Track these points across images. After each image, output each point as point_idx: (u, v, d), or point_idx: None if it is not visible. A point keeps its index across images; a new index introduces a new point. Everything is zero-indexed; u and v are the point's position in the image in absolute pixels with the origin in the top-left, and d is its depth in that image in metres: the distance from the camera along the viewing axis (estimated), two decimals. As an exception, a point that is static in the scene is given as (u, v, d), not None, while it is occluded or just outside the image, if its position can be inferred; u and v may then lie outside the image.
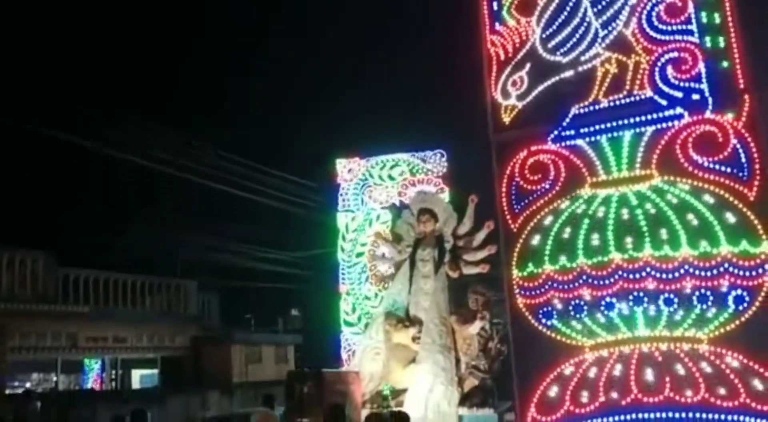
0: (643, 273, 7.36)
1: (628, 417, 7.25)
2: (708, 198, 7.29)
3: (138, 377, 21.06)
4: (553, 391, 7.63)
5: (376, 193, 17.66)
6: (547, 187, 8.02)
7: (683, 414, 7.04)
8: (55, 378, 19.62)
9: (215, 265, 19.60)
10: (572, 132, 7.95)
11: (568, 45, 8.11)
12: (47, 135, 13.50)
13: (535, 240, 7.97)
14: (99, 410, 14.83)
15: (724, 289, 7.06)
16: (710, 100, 7.38)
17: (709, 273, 7.10)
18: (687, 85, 7.51)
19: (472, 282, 11.28)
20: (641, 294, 7.35)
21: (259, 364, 20.86)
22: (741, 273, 7.00)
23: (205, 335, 20.36)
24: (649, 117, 7.64)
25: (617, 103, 7.83)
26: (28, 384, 19.79)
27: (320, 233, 19.02)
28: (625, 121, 7.72)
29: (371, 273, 17.05)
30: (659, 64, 7.62)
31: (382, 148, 18.15)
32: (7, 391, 16.81)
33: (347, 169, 18.18)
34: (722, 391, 6.95)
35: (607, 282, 7.50)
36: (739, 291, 7.00)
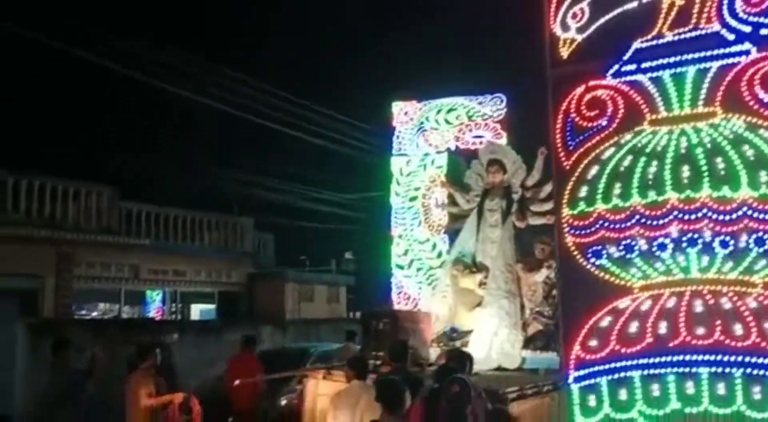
0: (700, 215, 7.18)
1: (676, 358, 7.20)
2: (773, 138, 7.02)
3: (198, 311, 21.94)
4: (599, 331, 7.63)
5: (432, 137, 17.50)
6: (604, 123, 7.85)
7: (732, 358, 6.95)
8: (119, 308, 20.59)
9: (271, 205, 20.00)
10: (633, 67, 7.71)
11: (633, -25, 7.80)
12: (110, 71, 13.87)
13: (589, 178, 7.85)
14: (158, 336, 15.53)
15: (784, 233, 6.85)
16: (780, 35, 7.04)
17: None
18: (756, 19, 7.17)
19: (538, 232, 11.51)
20: (696, 236, 7.20)
21: (312, 303, 21.44)
22: (802, 217, 6.77)
23: (259, 272, 20.97)
24: (715, 52, 7.34)
25: (682, 37, 7.54)
26: (94, 314, 20.86)
27: (374, 176, 19.15)
28: (690, 56, 7.43)
29: (424, 217, 17.24)
30: (729, -5, 7.28)
31: (439, 92, 17.97)
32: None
33: (403, 112, 18.08)
34: (774, 336, 6.82)
35: (661, 222, 7.36)
36: (798, 236, 6.78)
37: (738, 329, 6.98)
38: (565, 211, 8.00)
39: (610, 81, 7.88)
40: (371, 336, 10.57)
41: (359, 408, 5.43)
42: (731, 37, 7.30)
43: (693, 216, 7.23)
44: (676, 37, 7.59)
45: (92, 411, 8.89)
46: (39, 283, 16.76)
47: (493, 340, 10.43)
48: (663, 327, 7.29)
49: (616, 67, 7.80)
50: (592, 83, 7.98)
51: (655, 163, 7.47)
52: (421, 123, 17.97)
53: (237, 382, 10.30)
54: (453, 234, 17.59)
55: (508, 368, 10.17)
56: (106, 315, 20.56)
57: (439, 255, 17.48)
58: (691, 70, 7.49)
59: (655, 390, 7.19)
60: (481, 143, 16.86)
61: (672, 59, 7.54)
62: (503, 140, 15.68)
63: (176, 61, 14.69)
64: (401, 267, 17.93)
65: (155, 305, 21.66)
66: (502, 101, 16.75)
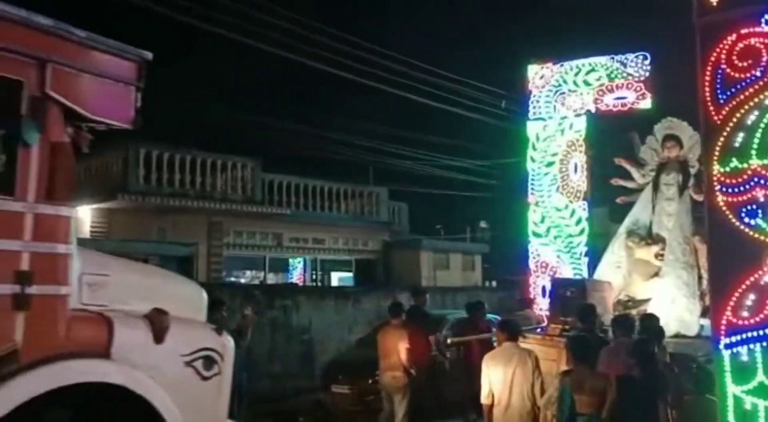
0: None
1: (838, 324, 6.78)
2: None
3: (336, 278, 22.92)
4: (753, 294, 7.28)
5: (570, 100, 17.09)
6: (758, 74, 7.38)
7: None
8: (264, 275, 21.90)
9: (406, 174, 20.39)
10: (792, 11, 7.19)
11: None
12: (250, 48, 14.65)
13: (741, 132, 7.45)
14: (301, 301, 16.45)
15: None
16: None
17: None
18: None
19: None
20: None
21: (447, 271, 21.75)
22: None
23: (395, 240, 21.50)
24: None
25: None
26: (242, 280, 22.34)
27: (510, 142, 18.93)
28: None
29: (562, 183, 16.92)
30: None
31: (577, 52, 17.45)
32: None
33: (539, 76, 17.73)
34: None
35: (823, 178, 6.89)
36: None
37: None
38: (716, 169, 7.65)
39: (764, 28, 7.40)
40: (559, 303, 11.33)
41: (510, 366, 5.92)
42: None
43: None
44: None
45: (244, 367, 9.75)
46: (194, 250, 18.18)
47: (671, 308, 10.89)
48: (825, 291, 6.85)
49: (773, 12, 7.31)
50: (744, 31, 7.51)
51: (818, 116, 6.97)
52: (558, 85, 17.55)
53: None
54: (591, 201, 17.29)
55: (687, 335, 10.54)
56: (253, 282, 21.99)
57: (578, 222, 17.16)
58: None
59: (815, 357, 6.82)
60: (623, 105, 16.34)
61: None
62: (647, 101, 15.08)
63: (306, 31, 15.23)
64: (538, 235, 17.76)
65: (297, 272, 22.85)
66: (646, 58, 16.05)
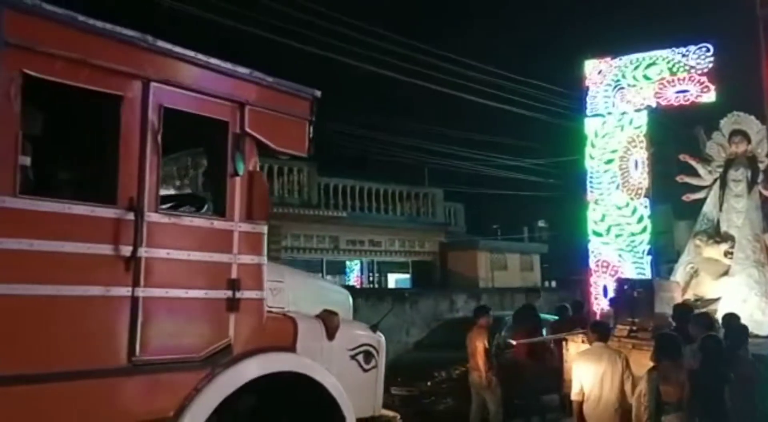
0: None
1: None
2: None
3: (393, 280, 23.11)
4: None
5: (630, 95, 16.82)
6: (826, 66, 7.23)
7: None
8: (322, 277, 22.24)
9: (461, 174, 20.41)
10: None
11: None
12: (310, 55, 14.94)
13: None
14: (359, 303, 16.68)
15: None
16: None
17: None
18: None
19: (787, 201, 11.65)
20: None
21: (504, 271, 21.70)
22: None
23: (451, 241, 21.55)
24: None
25: None
26: (298, 283, 22.65)
27: (567, 140, 18.77)
28: None
29: (623, 181, 16.68)
30: None
31: (636, 46, 17.16)
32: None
33: (597, 71, 17.50)
34: None
35: None
36: None
37: None
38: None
39: (832, 18, 7.23)
40: (626, 304, 11.17)
41: (601, 365, 6.30)
42: None
43: None
44: None
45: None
46: (252, 253, 18.53)
47: (742, 308, 10.66)
48: None
49: (840, 1, 7.13)
50: (810, 22, 7.36)
51: None
52: (617, 80, 17.27)
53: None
54: (653, 198, 16.99)
55: (759, 334, 10.23)
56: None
57: (640, 219, 16.86)
58: None
59: None
60: (686, 99, 16.00)
61: None
62: (711, 95, 14.75)
63: (357, 32, 15.42)
64: (598, 234, 17.50)
65: (354, 275, 23.12)
66: (708, 50, 15.67)
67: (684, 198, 15.72)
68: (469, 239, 21.67)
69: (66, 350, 3.22)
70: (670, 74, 16.28)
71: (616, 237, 16.85)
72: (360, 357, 4.70)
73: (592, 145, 17.45)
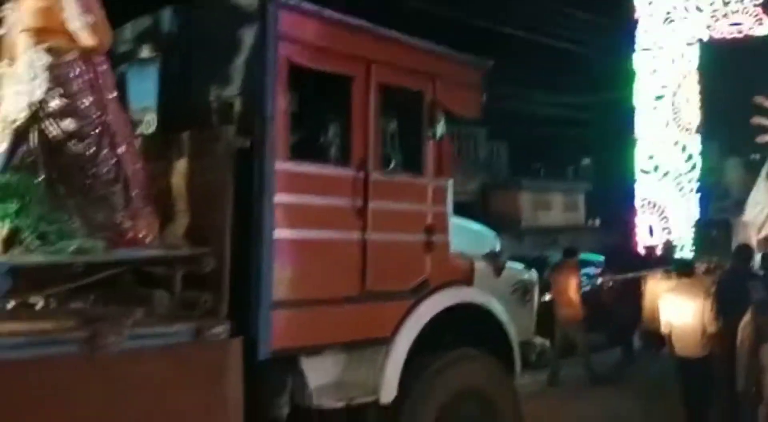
0: None
1: None
2: None
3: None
4: None
5: (681, 29, 16.65)
6: None
7: None
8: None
9: (505, 112, 20.37)
10: None
11: None
12: None
13: None
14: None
15: None
16: None
17: None
18: None
19: None
20: None
21: (548, 211, 21.81)
22: None
23: (493, 181, 21.68)
24: None
25: None
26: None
27: (615, 76, 18.58)
28: None
29: (673, 117, 16.57)
30: None
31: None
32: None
33: (647, 2, 17.22)
34: None
35: None
36: None
37: None
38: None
39: None
40: (705, 243, 11.67)
41: (687, 298, 6.75)
42: None
43: None
44: None
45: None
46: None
47: None
48: None
49: None
50: None
51: None
52: (668, 13, 17.01)
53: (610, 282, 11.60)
54: (704, 135, 16.84)
55: None
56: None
57: (689, 157, 16.84)
58: None
59: None
60: (739, 32, 15.73)
61: None
62: (766, 27, 14.49)
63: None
64: (646, 172, 17.59)
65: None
66: (763, -20, 15.31)
67: (758, 139, 15.63)
68: (512, 179, 21.71)
69: (324, 281, 3.97)
70: (723, 5, 16.02)
71: (663, 175, 16.91)
72: (519, 292, 5.47)
73: (642, 81, 17.38)
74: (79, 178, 3.41)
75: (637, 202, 16.99)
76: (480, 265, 5.09)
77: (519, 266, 5.98)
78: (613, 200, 19.53)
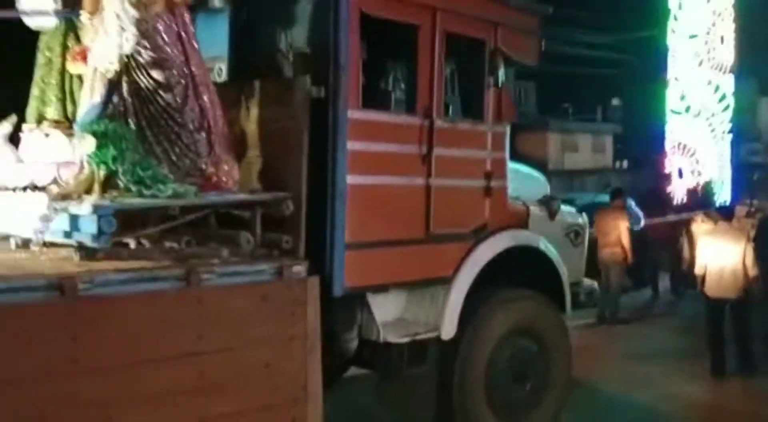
0: None
1: None
2: None
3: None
4: None
5: (718, -36, 16.34)
6: None
7: None
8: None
9: (532, 51, 20.24)
10: None
11: None
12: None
13: None
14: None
15: None
16: None
17: None
18: None
19: None
20: None
21: (575, 153, 21.88)
22: None
23: (521, 122, 21.66)
24: None
25: None
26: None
27: (647, 13, 18.28)
28: None
29: (707, 57, 16.38)
30: None
31: None
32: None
33: (683, -61, 16.90)
34: None
35: None
36: None
37: None
38: None
39: None
40: (744, 187, 11.69)
41: (726, 241, 7.15)
42: None
43: None
44: None
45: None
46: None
47: None
48: None
49: None
50: None
51: None
52: (706, -51, 16.71)
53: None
54: (737, 73, 16.66)
55: None
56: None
57: (722, 98, 16.72)
58: None
59: None
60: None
61: None
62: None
63: None
64: (677, 113, 17.48)
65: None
66: None
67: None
68: (539, 120, 21.70)
69: (392, 224, 4.22)
70: None
71: (695, 116, 16.82)
72: (572, 235, 5.77)
73: (675, 19, 17.09)
74: (167, 126, 3.66)
75: (667, 144, 17.00)
76: (535, 209, 5.34)
77: (571, 210, 6.24)
78: (643, 142, 19.52)
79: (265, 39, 4.26)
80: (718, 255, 7.09)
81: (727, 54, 16.56)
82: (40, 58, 4.15)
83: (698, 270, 7.35)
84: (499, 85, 4.91)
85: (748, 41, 17.26)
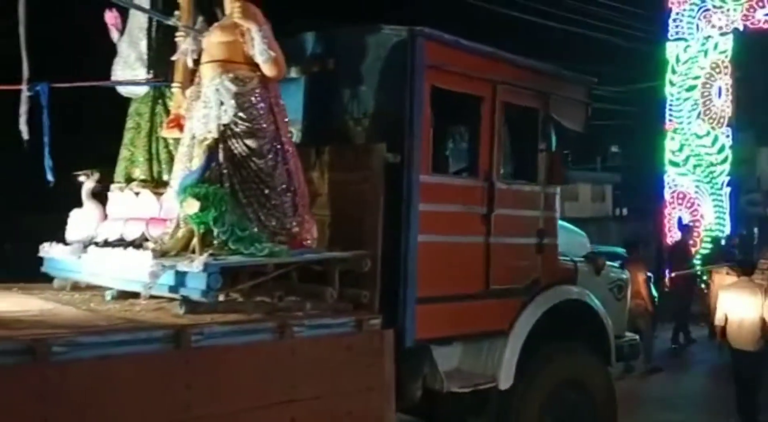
0: None
1: None
2: None
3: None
4: None
5: (715, 18, 17.06)
6: None
7: None
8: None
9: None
10: None
11: None
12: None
13: None
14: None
15: None
16: None
17: None
18: None
19: None
20: None
21: (575, 202, 22.45)
22: None
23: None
24: None
25: None
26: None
27: (646, 65, 19.04)
28: None
29: (704, 109, 17.02)
30: None
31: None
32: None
33: (681, -8, 17.70)
34: None
35: None
36: None
37: None
38: None
39: None
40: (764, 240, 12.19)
41: (745, 296, 7.57)
42: None
43: None
44: None
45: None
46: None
47: None
48: None
49: None
50: None
51: None
52: (703, 1, 17.44)
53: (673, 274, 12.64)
54: (736, 126, 17.31)
55: None
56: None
57: (721, 149, 17.32)
58: None
59: None
60: (775, 22, 16.20)
61: None
62: (807, 18, 14.93)
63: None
64: (675, 164, 18.08)
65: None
66: (807, -32, 15.74)
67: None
68: (538, 168, 22.26)
69: (456, 280, 4.67)
70: None
71: (694, 167, 17.39)
72: (615, 290, 6.23)
73: (673, 71, 17.82)
74: (258, 189, 4.10)
75: (666, 194, 17.56)
76: (582, 265, 5.85)
77: (614, 265, 6.78)
78: (642, 191, 20.15)
79: (339, 107, 4.75)
80: (739, 308, 7.56)
81: (725, 106, 17.13)
82: (130, 123, 4.63)
83: (718, 321, 7.82)
84: (550, 150, 5.46)
85: (746, 92, 17.80)
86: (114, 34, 4.63)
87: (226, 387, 3.56)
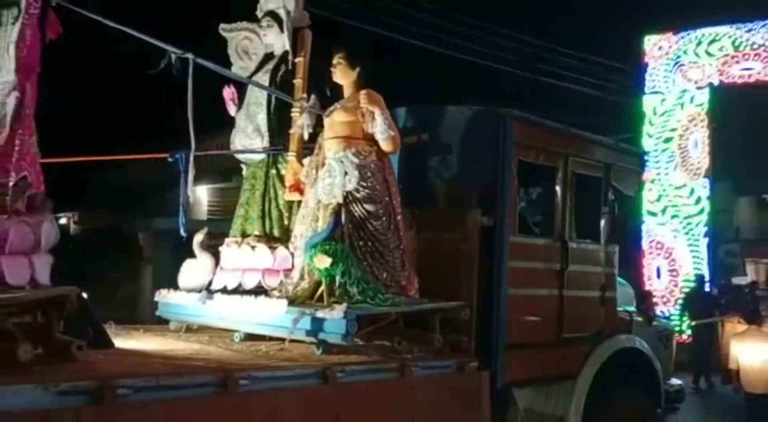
0: None
1: None
2: None
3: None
4: None
5: (691, 72, 18.19)
6: None
7: None
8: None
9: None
10: None
11: None
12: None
13: None
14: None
15: None
16: None
17: None
18: None
19: None
20: None
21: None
22: None
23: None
24: None
25: None
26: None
27: (623, 118, 20.03)
28: None
29: (681, 160, 18.15)
30: None
31: (699, 22, 18.24)
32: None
33: (657, 47, 18.86)
34: None
35: None
36: None
37: None
38: None
39: None
40: None
41: (755, 345, 8.39)
42: None
43: None
44: None
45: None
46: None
47: None
48: None
49: None
50: None
51: None
52: (678, 57, 18.76)
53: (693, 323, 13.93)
54: (713, 176, 18.46)
55: None
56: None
57: (698, 201, 18.47)
58: None
59: None
60: (749, 76, 17.52)
61: None
62: (777, 72, 16.19)
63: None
64: (653, 214, 19.17)
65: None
66: (775, 27, 17.08)
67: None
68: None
69: (536, 328, 5.56)
70: (734, 50, 17.67)
71: (671, 217, 18.45)
72: (663, 339, 7.30)
73: (650, 123, 18.96)
74: (373, 247, 4.93)
75: (645, 244, 18.55)
76: (636, 316, 6.85)
77: (659, 317, 7.92)
78: (622, 241, 21.14)
79: (432, 174, 5.69)
80: (750, 355, 8.48)
81: (702, 157, 18.30)
82: (246, 184, 5.45)
83: (731, 365, 8.73)
84: (614, 213, 6.51)
85: (722, 143, 18.68)
86: (231, 108, 5.47)
87: (365, 418, 4.33)
